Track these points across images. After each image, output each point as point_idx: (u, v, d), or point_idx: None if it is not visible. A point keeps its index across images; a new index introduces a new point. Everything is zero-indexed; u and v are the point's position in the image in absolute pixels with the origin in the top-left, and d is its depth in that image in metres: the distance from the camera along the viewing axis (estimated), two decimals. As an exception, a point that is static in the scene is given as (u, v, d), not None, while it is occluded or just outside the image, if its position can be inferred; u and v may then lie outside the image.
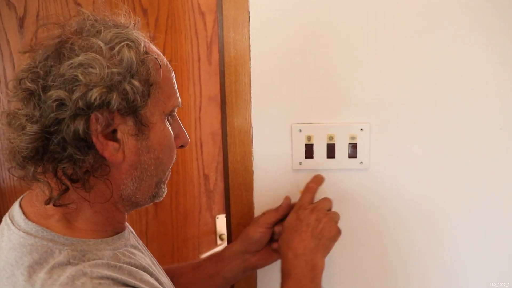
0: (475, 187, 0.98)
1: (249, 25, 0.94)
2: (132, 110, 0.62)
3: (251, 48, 0.95)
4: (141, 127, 0.64)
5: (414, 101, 0.95)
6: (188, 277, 0.96)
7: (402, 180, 0.99)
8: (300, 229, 0.85)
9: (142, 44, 0.64)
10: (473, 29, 0.92)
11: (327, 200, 0.91)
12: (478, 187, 0.98)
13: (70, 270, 0.57)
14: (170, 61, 1.67)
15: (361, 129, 0.96)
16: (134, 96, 0.61)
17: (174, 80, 0.70)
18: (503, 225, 1.00)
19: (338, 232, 0.87)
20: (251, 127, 0.98)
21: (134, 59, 0.61)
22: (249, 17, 0.94)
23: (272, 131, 0.98)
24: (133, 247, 0.71)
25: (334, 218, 0.88)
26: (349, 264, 1.03)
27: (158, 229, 1.60)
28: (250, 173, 1.00)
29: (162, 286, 0.66)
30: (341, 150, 0.96)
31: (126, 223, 0.81)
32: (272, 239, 0.94)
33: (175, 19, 1.55)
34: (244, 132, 0.98)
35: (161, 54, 0.69)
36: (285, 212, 0.93)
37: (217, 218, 1.69)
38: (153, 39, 1.54)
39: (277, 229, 0.93)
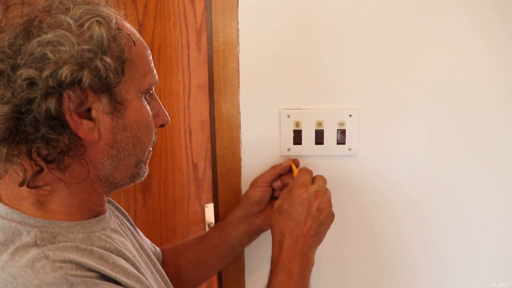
0: (464, 173, 0.99)
1: (238, 10, 0.93)
2: (105, 87, 0.61)
3: (239, 32, 0.94)
4: (116, 105, 0.63)
5: (403, 88, 0.95)
6: (194, 251, 0.96)
7: (391, 166, 0.99)
8: (301, 220, 0.81)
9: (114, 21, 0.63)
10: (463, 16, 0.92)
11: (324, 180, 0.88)
12: (468, 173, 0.99)
13: (33, 252, 0.56)
14: (159, 48, 1.65)
15: (349, 115, 0.95)
16: (106, 73, 0.60)
17: (151, 57, 0.70)
18: (492, 209, 1.01)
19: (331, 221, 0.86)
20: (239, 112, 0.97)
21: (105, 36, 0.60)
22: (238, 1, 0.93)
23: (261, 116, 0.97)
24: (113, 231, 0.70)
25: (330, 203, 0.86)
26: (337, 251, 1.03)
27: (146, 217, 1.59)
28: (238, 159, 0.99)
29: (140, 273, 0.66)
30: (330, 136, 0.96)
31: (110, 207, 0.80)
32: (273, 196, 0.94)
33: (164, 6, 1.53)
34: (232, 118, 0.98)
35: (135, 32, 0.68)
36: (283, 171, 0.93)
37: (206, 207, 1.68)
38: (141, 26, 1.50)
39: (276, 185, 0.93)
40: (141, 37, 0.69)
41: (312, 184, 0.86)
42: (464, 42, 0.93)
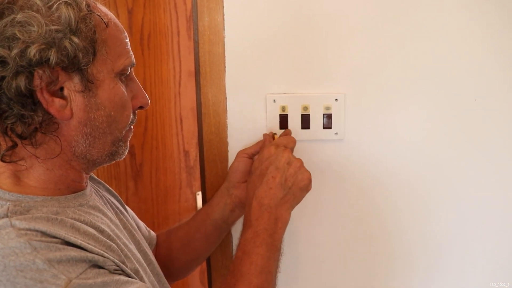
0: (453, 157, 0.99)
1: (223, -7, 0.93)
2: (76, 66, 0.63)
3: (225, 17, 0.94)
4: (88, 84, 0.65)
5: (389, 71, 0.95)
6: (183, 229, 0.99)
7: (377, 150, 0.99)
8: (269, 174, 0.82)
9: (84, 3, 0.65)
10: (451, 1, 0.92)
11: (293, 139, 0.90)
12: (457, 157, 0.99)
13: (1, 222, 0.59)
14: (148, 36, 1.64)
15: (335, 99, 0.95)
16: (75, 52, 0.62)
17: (127, 40, 0.72)
18: (479, 191, 1.01)
19: (310, 181, 0.84)
20: (225, 97, 0.97)
21: (73, 17, 0.62)
22: (223, -15, 0.92)
23: (247, 101, 0.97)
24: (91, 207, 0.72)
25: (301, 160, 0.85)
26: (324, 235, 1.04)
27: (138, 205, 1.60)
28: (225, 144, 0.99)
29: (119, 248, 0.68)
30: (316, 121, 0.96)
31: (95, 186, 0.83)
32: None
33: (154, -8, 1.52)
34: (218, 103, 0.97)
35: (110, 14, 0.70)
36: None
37: (198, 194, 1.69)
38: (131, 13, 1.49)
39: (256, 157, 0.92)
40: (116, 20, 0.71)
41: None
42: (452, 27, 0.93)
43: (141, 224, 0.97)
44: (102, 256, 0.62)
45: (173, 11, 1.58)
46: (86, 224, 0.66)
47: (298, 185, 0.82)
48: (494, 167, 1.00)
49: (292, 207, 0.83)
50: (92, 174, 0.90)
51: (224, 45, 0.95)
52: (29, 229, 0.59)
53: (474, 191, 1.01)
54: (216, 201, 0.95)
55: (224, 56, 0.95)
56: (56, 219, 0.63)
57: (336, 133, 0.97)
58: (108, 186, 0.91)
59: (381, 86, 0.95)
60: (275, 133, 0.96)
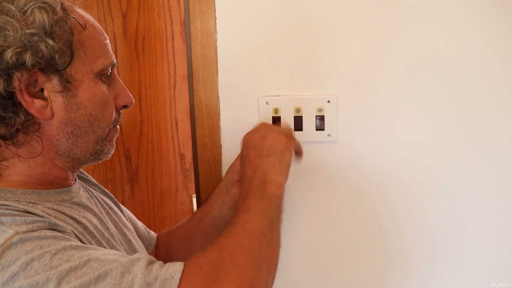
0: (445, 157, 0.99)
1: (215, -3, 0.93)
2: (53, 68, 0.65)
3: (217, 20, 0.95)
4: (66, 84, 0.67)
5: (381, 73, 0.95)
6: (182, 228, 0.99)
7: (370, 152, 0.99)
8: (250, 155, 0.82)
9: (59, 6, 0.66)
10: (442, 0, 0.92)
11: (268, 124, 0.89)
12: (450, 157, 0.99)
13: None
14: (143, 39, 1.64)
15: (328, 101, 0.96)
16: (50, 54, 0.64)
17: (106, 41, 0.73)
18: (471, 188, 1.02)
19: (286, 142, 0.83)
20: (218, 100, 0.97)
21: (47, 20, 0.64)
22: (214, -12, 0.93)
23: (240, 104, 0.97)
24: (74, 203, 0.73)
25: (278, 129, 0.85)
26: (316, 236, 1.04)
27: (135, 208, 1.60)
28: (219, 147, 1.00)
29: (98, 243, 0.68)
30: (309, 123, 0.96)
31: (86, 186, 0.83)
32: None
33: (148, -4, 1.53)
34: (211, 106, 0.98)
35: (88, 17, 0.72)
36: None
37: (194, 197, 1.69)
38: (125, 17, 1.50)
39: None
40: (94, 22, 0.73)
41: None
42: (444, 28, 0.94)
43: (140, 225, 0.98)
44: (66, 224, 0.64)
45: (167, 15, 1.58)
46: (66, 215, 0.67)
47: (277, 149, 0.81)
48: (489, 166, 1.00)
49: (283, 170, 0.80)
50: (90, 177, 0.91)
51: (216, 48, 0.95)
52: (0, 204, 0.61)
53: (470, 191, 1.01)
54: (215, 199, 0.95)
55: (217, 59, 0.96)
56: (28, 204, 0.64)
57: (329, 134, 0.97)
58: (104, 188, 0.92)
59: (374, 87, 0.96)
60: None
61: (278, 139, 0.82)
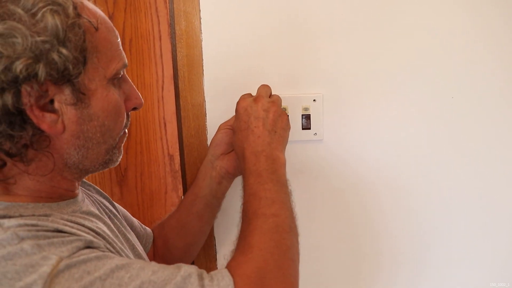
0: (430, 155, 1.00)
1: (199, -3, 0.93)
2: (66, 79, 0.58)
3: (201, 20, 0.95)
4: (80, 95, 0.60)
5: (366, 71, 0.96)
6: (174, 217, 0.96)
7: (357, 150, 1.00)
8: (252, 124, 0.81)
9: (71, 7, 0.59)
10: (423, -2, 0.93)
11: (265, 86, 0.88)
12: (437, 156, 1.00)
13: None
14: (130, 40, 1.62)
15: (313, 100, 0.96)
16: (64, 64, 0.57)
17: (118, 40, 0.66)
18: (465, 190, 1.02)
19: (288, 120, 0.84)
20: (204, 100, 0.97)
21: (60, 25, 0.57)
22: (199, -12, 0.93)
23: (226, 103, 0.97)
24: (85, 213, 0.68)
25: (279, 103, 0.85)
26: (305, 236, 1.04)
27: (124, 211, 1.59)
28: (205, 147, 1.00)
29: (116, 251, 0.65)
30: (295, 122, 0.96)
31: (85, 189, 0.79)
32: None
33: (134, -3, 1.52)
34: (197, 106, 0.98)
35: (99, 13, 0.64)
36: None
37: (183, 197, 1.68)
38: (111, 17, 1.49)
39: None
40: (105, 18, 0.65)
41: None
42: (429, 26, 0.94)
43: (136, 223, 0.95)
44: (96, 239, 0.60)
45: (154, 16, 1.57)
46: (79, 225, 0.62)
47: (281, 126, 0.82)
48: (475, 162, 1.01)
49: (284, 148, 0.82)
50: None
51: (201, 48, 0.95)
52: (18, 225, 0.55)
53: (456, 186, 1.02)
54: (202, 177, 0.93)
55: (202, 60, 0.96)
56: (47, 219, 0.58)
57: (315, 133, 0.97)
58: (98, 188, 0.88)
59: (359, 86, 0.96)
60: None
61: (282, 115, 0.82)
